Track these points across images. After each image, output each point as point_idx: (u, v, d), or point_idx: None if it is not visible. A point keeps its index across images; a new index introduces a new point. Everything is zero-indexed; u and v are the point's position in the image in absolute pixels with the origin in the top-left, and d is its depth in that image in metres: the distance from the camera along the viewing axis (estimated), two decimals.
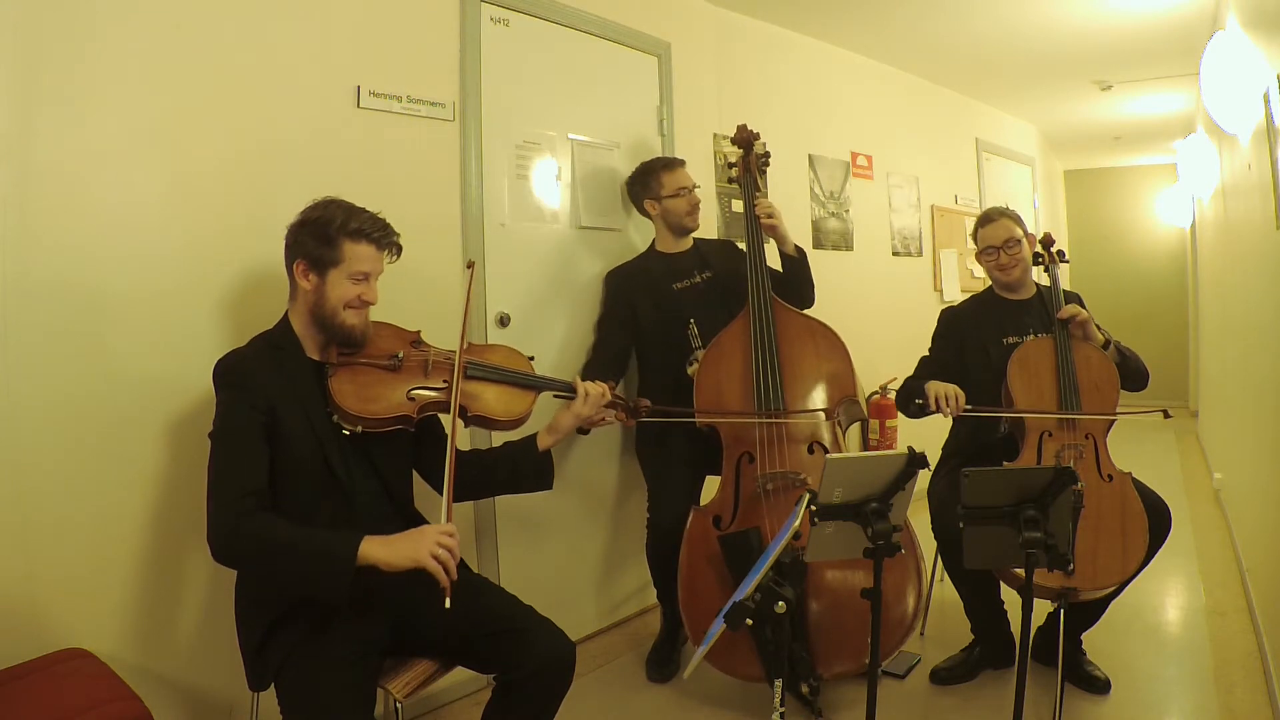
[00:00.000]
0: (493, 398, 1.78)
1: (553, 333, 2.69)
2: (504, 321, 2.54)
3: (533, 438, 1.86)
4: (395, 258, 1.69)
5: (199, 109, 1.89)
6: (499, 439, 1.93)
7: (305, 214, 1.62)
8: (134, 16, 1.79)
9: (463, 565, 1.78)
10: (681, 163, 2.70)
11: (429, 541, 1.43)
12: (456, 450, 1.76)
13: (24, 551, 1.63)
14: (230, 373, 1.53)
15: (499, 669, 1.59)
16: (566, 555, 2.76)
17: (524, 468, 1.84)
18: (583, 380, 1.92)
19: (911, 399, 2.38)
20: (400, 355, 1.68)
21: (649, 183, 2.65)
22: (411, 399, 1.65)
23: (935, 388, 2.29)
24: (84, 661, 1.55)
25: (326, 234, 1.57)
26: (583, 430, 2.13)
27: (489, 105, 2.52)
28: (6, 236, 1.62)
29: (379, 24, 2.26)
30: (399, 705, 1.57)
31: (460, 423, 1.70)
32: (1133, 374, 2.35)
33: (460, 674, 1.76)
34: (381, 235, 1.63)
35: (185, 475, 1.84)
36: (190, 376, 1.84)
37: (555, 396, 1.93)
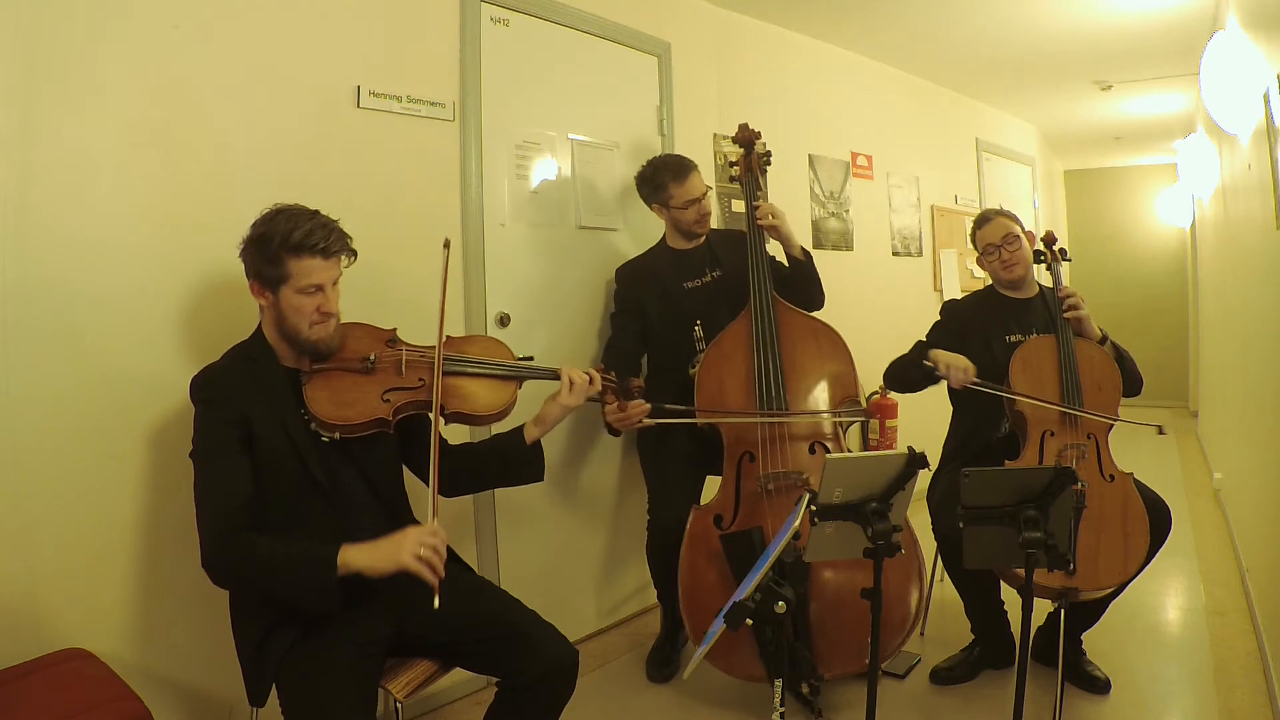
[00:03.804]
0: (472, 392, 1.73)
1: (553, 332, 2.69)
2: (504, 321, 2.54)
3: (520, 429, 1.83)
4: (352, 260, 1.64)
5: (198, 109, 1.89)
6: (494, 430, 1.90)
7: (252, 229, 1.57)
8: (133, 16, 1.79)
9: (464, 567, 1.78)
10: (691, 171, 2.57)
11: (411, 543, 1.43)
12: (446, 443, 1.75)
13: (24, 551, 1.63)
14: (204, 388, 1.53)
15: (500, 674, 1.59)
16: (566, 555, 2.76)
17: (512, 460, 1.81)
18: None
19: (911, 368, 2.34)
20: (372, 357, 1.65)
21: (657, 190, 2.59)
22: (386, 401, 1.62)
23: (944, 355, 2.26)
24: (84, 661, 1.55)
25: (269, 252, 1.52)
26: (613, 431, 2.08)
27: (489, 105, 2.52)
28: (6, 236, 1.62)
29: (379, 24, 2.26)
30: (399, 705, 1.57)
31: (441, 420, 1.68)
32: (1128, 377, 2.35)
33: (460, 674, 1.77)
34: (327, 245, 1.55)
35: (185, 475, 1.83)
36: (190, 376, 1.83)
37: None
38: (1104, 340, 2.35)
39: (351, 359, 1.64)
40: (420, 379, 1.67)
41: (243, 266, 1.58)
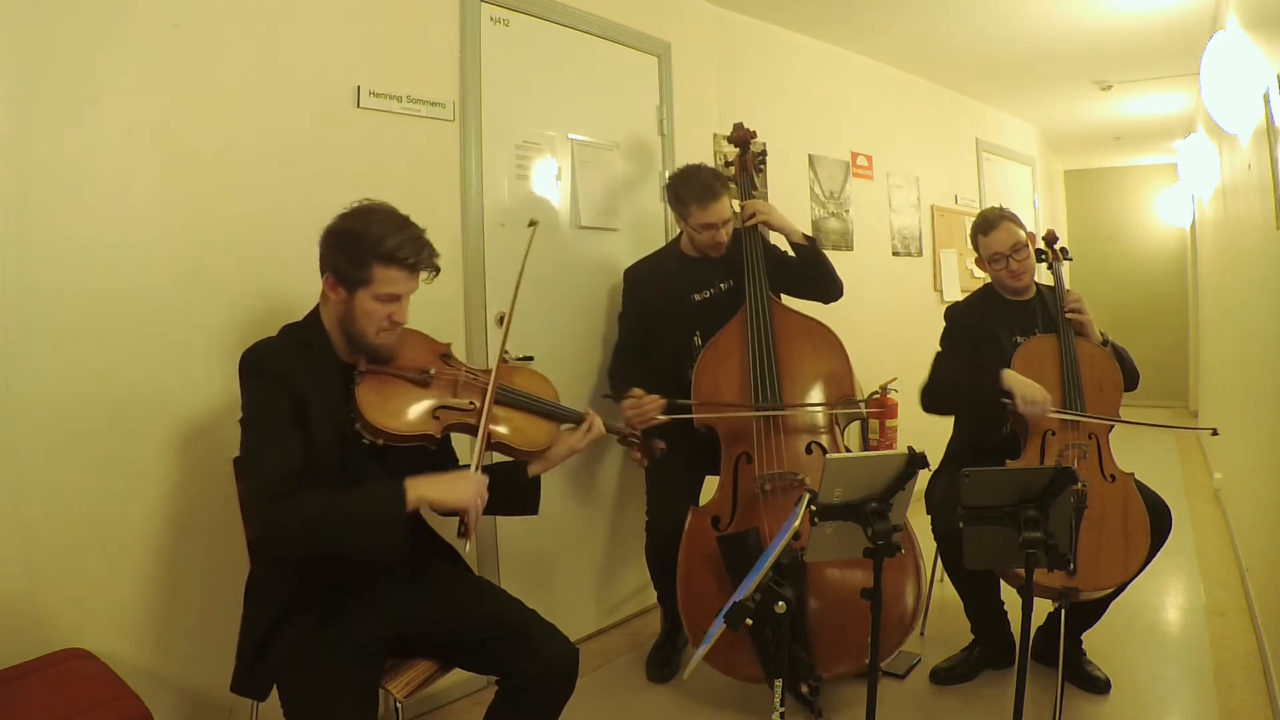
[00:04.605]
0: (516, 425, 1.72)
1: (552, 332, 2.69)
2: (503, 321, 2.54)
3: (523, 462, 1.79)
4: (433, 277, 1.60)
5: (198, 109, 1.89)
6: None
7: (341, 221, 1.53)
8: (133, 16, 1.79)
9: (464, 567, 1.78)
10: (716, 196, 2.41)
11: (473, 487, 1.49)
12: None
13: (24, 551, 1.63)
14: (260, 361, 1.49)
15: (501, 673, 1.59)
16: (566, 555, 2.76)
17: (508, 490, 1.76)
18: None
19: (973, 395, 2.25)
20: (432, 371, 1.62)
21: (678, 203, 2.48)
22: (437, 418, 1.60)
23: (1020, 384, 2.15)
24: (84, 661, 1.55)
25: (356, 253, 1.48)
26: (638, 446, 2.09)
27: (489, 105, 2.52)
28: (6, 236, 1.62)
29: (379, 24, 2.26)
30: (399, 705, 1.58)
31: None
32: (1127, 374, 2.35)
33: (460, 674, 1.77)
34: (417, 260, 1.52)
35: (185, 474, 1.84)
36: (189, 376, 1.84)
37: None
38: (1105, 343, 2.35)
39: (408, 368, 1.61)
40: (472, 402, 1.65)
41: (320, 253, 1.54)
